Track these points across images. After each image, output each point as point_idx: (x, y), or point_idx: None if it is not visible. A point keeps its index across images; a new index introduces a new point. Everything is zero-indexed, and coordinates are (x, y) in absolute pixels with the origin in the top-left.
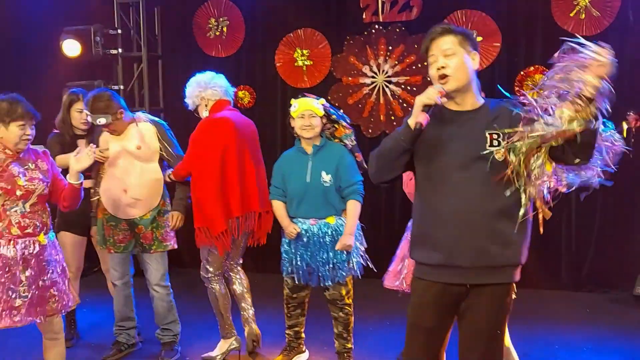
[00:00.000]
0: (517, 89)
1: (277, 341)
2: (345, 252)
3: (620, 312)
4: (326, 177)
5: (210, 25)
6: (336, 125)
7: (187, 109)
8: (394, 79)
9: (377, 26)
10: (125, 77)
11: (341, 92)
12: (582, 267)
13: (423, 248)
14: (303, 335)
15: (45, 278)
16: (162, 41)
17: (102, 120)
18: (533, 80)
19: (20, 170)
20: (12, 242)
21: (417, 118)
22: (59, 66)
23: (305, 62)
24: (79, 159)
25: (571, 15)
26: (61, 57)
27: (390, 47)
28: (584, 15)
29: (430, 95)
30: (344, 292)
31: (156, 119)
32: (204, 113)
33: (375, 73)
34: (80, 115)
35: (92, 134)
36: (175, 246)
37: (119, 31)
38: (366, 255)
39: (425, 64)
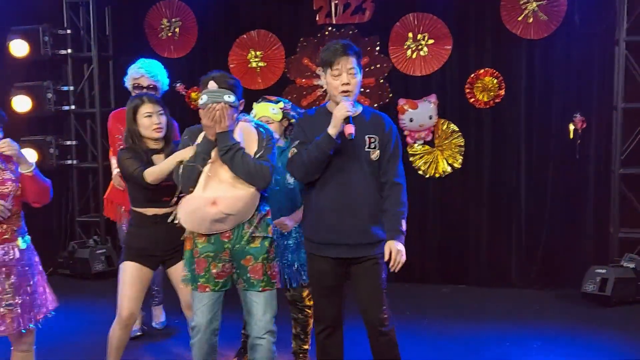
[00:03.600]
0: (467, 91)
1: (232, 343)
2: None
3: (569, 309)
4: (290, 179)
5: (163, 26)
6: None
7: None
8: None
9: (330, 28)
10: (75, 77)
11: (295, 94)
12: (531, 266)
13: (317, 229)
14: None
15: (30, 283)
16: (113, 41)
17: (231, 98)
18: (483, 82)
19: None
20: None
21: (348, 130)
22: (6, 67)
23: (259, 64)
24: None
25: (519, 19)
26: (8, 58)
27: None
28: (532, 20)
29: (347, 108)
30: (304, 294)
31: (264, 124)
32: None
33: None
34: (150, 121)
35: (169, 146)
36: (280, 285)
37: (69, 31)
38: None
39: (379, 66)
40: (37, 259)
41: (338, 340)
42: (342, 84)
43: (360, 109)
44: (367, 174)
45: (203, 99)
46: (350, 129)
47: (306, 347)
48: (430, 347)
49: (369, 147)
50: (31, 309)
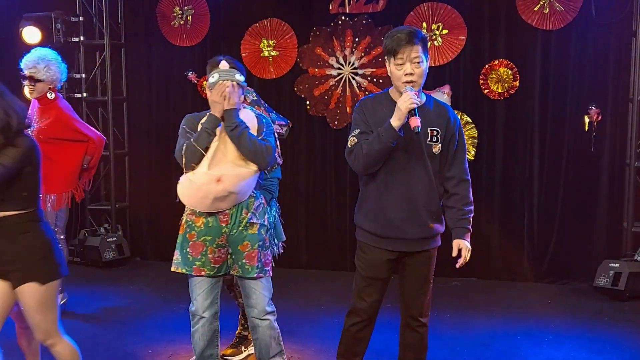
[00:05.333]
0: (481, 82)
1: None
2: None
3: (581, 303)
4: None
5: (175, 14)
6: None
7: (149, 98)
8: (360, 71)
9: (343, 17)
10: (87, 65)
11: (307, 84)
12: (543, 259)
13: (377, 222)
14: None
15: None
16: (125, 29)
17: (241, 78)
18: (498, 73)
19: None
20: None
21: (414, 122)
22: (19, 53)
23: (272, 53)
24: None
25: (535, 9)
26: (21, 44)
27: (356, 39)
28: (547, 10)
29: (413, 99)
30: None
31: (263, 114)
32: (50, 94)
33: (342, 64)
34: None
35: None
36: (271, 274)
37: (81, 18)
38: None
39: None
40: None
41: (368, 335)
42: (405, 74)
43: (424, 98)
44: (429, 167)
45: (214, 77)
46: (416, 122)
47: (246, 333)
48: (441, 340)
49: (431, 140)
50: None
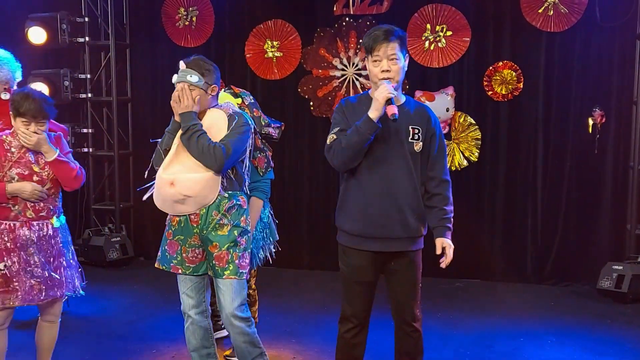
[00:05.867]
0: (485, 83)
1: None
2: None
3: (584, 305)
4: None
5: (180, 15)
6: None
7: (154, 99)
8: (364, 72)
9: (347, 19)
10: (93, 66)
11: (311, 85)
12: (546, 261)
13: (360, 220)
14: None
15: (61, 260)
16: (131, 30)
17: (194, 78)
18: (501, 75)
19: (34, 158)
20: (27, 224)
21: (391, 110)
22: (24, 54)
23: (276, 54)
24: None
25: (540, 11)
26: (26, 45)
27: (360, 40)
28: (552, 12)
29: (389, 89)
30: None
31: (243, 112)
32: (4, 95)
33: (346, 66)
34: None
35: None
36: (248, 277)
37: (86, 19)
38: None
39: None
40: (69, 238)
41: (363, 339)
42: (381, 70)
43: (403, 98)
44: (411, 165)
45: (173, 78)
46: (393, 109)
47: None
48: (443, 342)
49: (412, 138)
50: (60, 283)
